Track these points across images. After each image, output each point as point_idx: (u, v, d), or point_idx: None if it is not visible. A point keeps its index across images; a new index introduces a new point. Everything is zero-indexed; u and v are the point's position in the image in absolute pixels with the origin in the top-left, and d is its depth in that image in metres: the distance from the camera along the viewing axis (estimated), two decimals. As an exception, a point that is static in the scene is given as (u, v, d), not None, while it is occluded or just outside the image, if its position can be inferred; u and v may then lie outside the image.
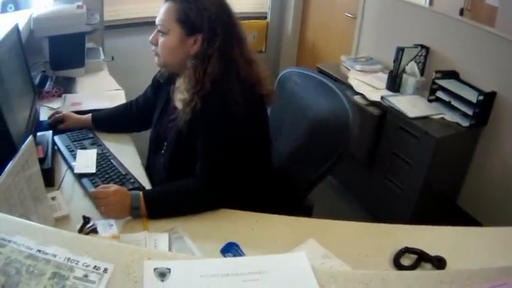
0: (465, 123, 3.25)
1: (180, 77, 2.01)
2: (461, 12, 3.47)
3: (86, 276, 0.88)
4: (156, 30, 1.95)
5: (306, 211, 2.31)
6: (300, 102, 2.35)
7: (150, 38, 1.98)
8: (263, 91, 1.96)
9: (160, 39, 1.93)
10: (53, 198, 1.83)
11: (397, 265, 1.59)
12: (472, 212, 3.58)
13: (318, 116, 2.22)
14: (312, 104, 2.28)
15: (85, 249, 0.93)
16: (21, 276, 0.86)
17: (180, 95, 1.93)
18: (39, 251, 0.92)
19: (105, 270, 0.90)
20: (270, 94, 2.00)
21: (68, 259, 0.91)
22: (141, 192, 1.80)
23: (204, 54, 1.86)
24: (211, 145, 1.86)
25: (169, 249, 1.62)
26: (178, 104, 1.98)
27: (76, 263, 0.90)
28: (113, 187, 1.81)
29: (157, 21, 1.93)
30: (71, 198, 1.92)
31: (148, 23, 4.68)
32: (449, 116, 3.34)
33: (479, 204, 3.53)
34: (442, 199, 3.64)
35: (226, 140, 1.84)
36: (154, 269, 0.93)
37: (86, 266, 0.90)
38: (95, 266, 0.90)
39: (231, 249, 1.65)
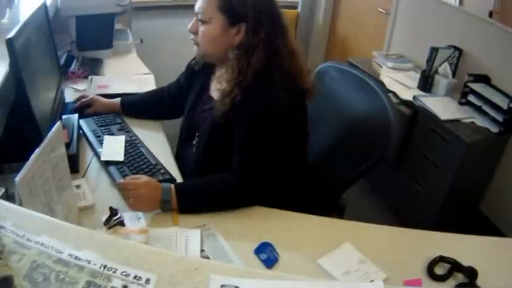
0: (494, 129, 3.18)
1: (220, 66, 1.94)
2: (491, 15, 3.36)
3: (125, 287, 0.77)
4: (195, 19, 1.86)
5: (338, 210, 2.26)
6: (338, 99, 2.28)
7: (189, 26, 1.88)
8: (305, 85, 1.88)
9: (201, 28, 1.84)
10: (78, 187, 1.76)
11: (431, 274, 1.55)
12: (493, 219, 3.53)
13: (357, 115, 2.16)
14: (351, 101, 2.22)
15: (123, 256, 0.82)
16: (50, 284, 0.76)
17: (219, 85, 1.85)
18: (70, 255, 0.81)
19: (148, 281, 0.79)
20: (311, 88, 1.92)
21: (105, 266, 0.80)
22: (172, 185, 1.73)
23: (248, 45, 1.77)
24: (251, 140, 1.77)
25: (201, 247, 1.56)
26: (216, 94, 1.90)
27: (114, 272, 0.79)
28: (143, 178, 1.73)
29: (197, 9, 1.83)
30: (97, 187, 1.85)
31: (178, 7, 4.63)
32: (479, 121, 3.27)
33: (501, 211, 3.47)
34: (466, 204, 3.59)
35: (266, 135, 1.76)
36: (221, 286, 0.82)
37: (126, 276, 0.79)
38: (136, 276, 0.79)
39: (265, 250, 1.59)
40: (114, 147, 2.03)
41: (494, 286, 1.52)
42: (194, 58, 2.10)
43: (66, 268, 0.79)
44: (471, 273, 1.53)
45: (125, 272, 0.79)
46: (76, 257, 0.81)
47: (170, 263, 0.84)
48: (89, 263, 0.80)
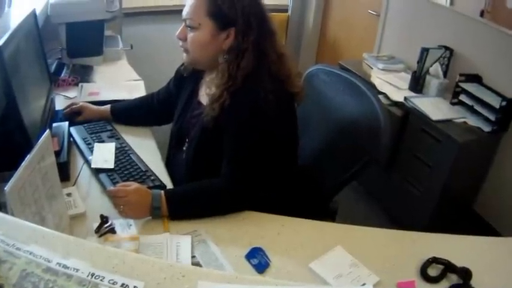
0: (487, 128, 3.19)
1: (210, 71, 1.92)
2: (482, 14, 3.37)
3: (112, 295, 0.78)
4: (183, 25, 1.84)
5: (330, 214, 2.24)
6: (328, 102, 2.27)
7: (177, 33, 1.86)
8: (293, 88, 1.87)
9: (190, 35, 1.81)
10: (69, 195, 1.75)
11: (424, 275, 1.55)
12: (488, 218, 3.53)
13: (347, 118, 2.15)
14: (341, 104, 2.21)
15: (111, 264, 0.83)
16: (38, 293, 0.76)
17: (208, 90, 1.84)
18: (59, 264, 0.81)
19: (135, 288, 0.79)
20: (300, 92, 1.91)
21: (92, 275, 0.80)
22: (162, 192, 1.72)
23: (238, 49, 1.76)
24: (239, 144, 1.77)
25: (192, 253, 1.55)
26: (205, 100, 1.89)
27: (101, 280, 0.80)
28: (133, 185, 1.72)
29: (185, 15, 1.81)
30: (88, 194, 1.84)
31: (168, 12, 4.63)
32: (472, 121, 3.28)
33: (495, 210, 3.48)
34: (460, 204, 3.59)
35: (255, 139, 1.75)
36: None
37: (113, 284, 0.79)
38: (123, 284, 0.80)
39: (256, 255, 1.58)
40: (104, 154, 2.03)
41: (489, 287, 1.51)
42: (183, 63, 2.08)
43: (55, 277, 0.79)
44: (465, 274, 1.52)
45: (112, 280, 0.80)
46: (64, 266, 0.81)
47: (157, 270, 0.84)
48: (77, 271, 0.80)
